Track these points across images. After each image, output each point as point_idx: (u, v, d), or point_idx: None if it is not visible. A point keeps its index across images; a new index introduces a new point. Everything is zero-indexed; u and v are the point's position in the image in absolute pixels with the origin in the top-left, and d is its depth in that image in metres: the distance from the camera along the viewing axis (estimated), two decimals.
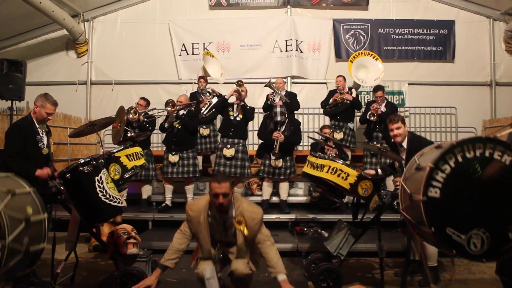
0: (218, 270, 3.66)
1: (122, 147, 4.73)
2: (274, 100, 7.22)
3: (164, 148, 6.91)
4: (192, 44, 10.20)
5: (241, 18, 10.24)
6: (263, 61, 10.17)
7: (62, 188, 3.90)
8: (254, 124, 9.15)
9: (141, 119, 6.82)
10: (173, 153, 6.65)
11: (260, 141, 7.25)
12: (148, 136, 6.94)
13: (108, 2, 10.33)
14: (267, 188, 6.82)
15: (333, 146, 6.64)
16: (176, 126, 6.65)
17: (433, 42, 10.07)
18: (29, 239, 3.19)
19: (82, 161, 3.91)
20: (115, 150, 4.62)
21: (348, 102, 7.57)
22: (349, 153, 7.76)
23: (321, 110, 8.20)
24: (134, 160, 4.75)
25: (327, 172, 4.30)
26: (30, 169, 4.20)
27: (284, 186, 6.80)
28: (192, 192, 6.90)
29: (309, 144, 9.50)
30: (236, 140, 6.76)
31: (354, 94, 7.61)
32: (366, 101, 9.88)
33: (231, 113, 6.82)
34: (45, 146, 4.52)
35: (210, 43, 10.14)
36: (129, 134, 6.21)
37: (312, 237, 6.11)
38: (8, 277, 3.18)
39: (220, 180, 3.44)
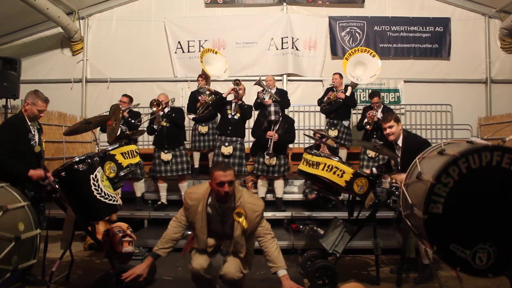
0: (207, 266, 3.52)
1: (118, 145, 4.72)
2: (264, 99, 7.22)
3: (153, 147, 6.88)
4: (188, 41, 10.17)
5: (237, 16, 10.23)
6: (259, 58, 10.16)
7: (57, 186, 3.88)
8: (251, 123, 9.13)
9: (125, 116, 6.77)
10: (166, 151, 6.63)
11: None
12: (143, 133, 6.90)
13: (104, 0, 10.29)
14: (261, 187, 6.81)
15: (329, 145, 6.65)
16: (164, 124, 6.63)
17: (428, 39, 10.08)
18: (18, 257, 3.17)
19: (77, 159, 3.88)
20: (110, 148, 4.60)
21: (341, 100, 7.55)
22: (344, 151, 7.77)
23: (317, 108, 8.21)
24: (130, 158, 4.74)
25: (322, 169, 4.29)
26: (23, 168, 4.18)
27: (279, 184, 6.79)
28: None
29: (305, 141, 9.55)
30: (234, 138, 6.77)
31: (348, 92, 7.56)
32: (361, 99, 9.94)
33: (229, 111, 6.83)
34: (37, 143, 4.48)
35: (206, 40, 10.12)
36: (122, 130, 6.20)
37: (307, 235, 6.12)
38: None
39: (225, 168, 3.33)
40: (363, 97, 10.00)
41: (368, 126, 7.12)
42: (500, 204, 2.66)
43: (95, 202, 3.82)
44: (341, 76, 7.77)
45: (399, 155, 4.55)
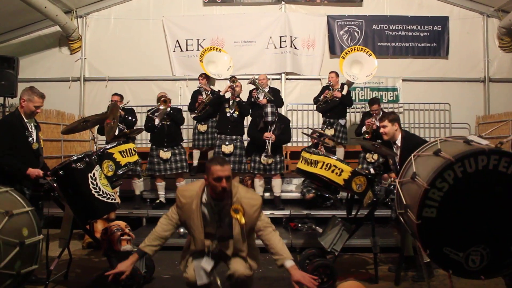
0: (209, 269, 3.29)
1: (116, 144, 4.71)
2: (258, 98, 7.23)
3: (151, 146, 6.86)
4: (186, 40, 10.15)
5: (235, 15, 10.22)
6: (257, 57, 10.15)
7: (55, 185, 3.87)
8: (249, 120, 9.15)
9: (122, 114, 6.78)
10: (165, 149, 6.63)
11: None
12: (141, 131, 6.91)
13: None
14: (259, 186, 6.81)
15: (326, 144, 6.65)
16: (165, 122, 6.63)
17: (427, 38, 10.08)
18: (21, 262, 3.21)
19: (75, 157, 3.88)
20: (108, 147, 4.60)
21: (337, 99, 7.55)
22: (341, 149, 7.77)
23: (316, 106, 8.18)
24: (128, 156, 4.74)
25: (321, 168, 4.30)
26: (21, 167, 4.18)
27: (277, 183, 6.79)
28: None
29: (303, 140, 9.55)
30: (233, 137, 6.78)
31: (345, 91, 7.55)
32: (360, 98, 9.95)
33: (227, 109, 6.82)
34: (34, 141, 4.48)
35: (204, 39, 10.10)
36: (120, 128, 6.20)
37: (306, 233, 6.13)
38: None
39: (222, 162, 3.16)
40: (361, 95, 10.02)
41: (366, 135, 7.12)
42: (494, 207, 2.64)
43: (93, 201, 3.82)
44: (337, 74, 7.75)
45: (398, 154, 4.55)
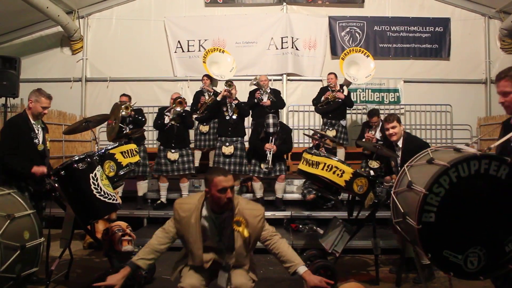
0: (205, 284, 3.16)
1: (117, 144, 4.71)
2: (262, 99, 7.23)
3: (159, 146, 6.88)
4: (188, 41, 10.17)
5: (237, 15, 10.23)
6: (259, 58, 10.15)
7: (56, 185, 3.88)
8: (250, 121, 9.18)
9: (132, 114, 6.79)
10: (173, 150, 6.64)
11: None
12: (143, 132, 6.92)
13: None
14: (258, 190, 6.82)
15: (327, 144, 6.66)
16: (174, 123, 6.63)
17: (428, 39, 10.09)
18: (22, 265, 3.22)
19: (77, 158, 3.88)
20: (110, 147, 4.60)
21: (340, 100, 7.54)
22: (342, 150, 7.76)
23: (315, 108, 8.15)
24: (129, 157, 4.74)
25: (322, 169, 4.29)
26: (26, 166, 4.20)
27: (280, 186, 6.78)
28: (187, 189, 6.89)
29: (305, 141, 9.55)
30: (234, 138, 6.77)
31: (345, 92, 7.59)
32: (361, 99, 9.95)
33: (226, 113, 6.80)
34: (40, 142, 4.51)
35: (205, 40, 10.11)
36: (124, 131, 6.19)
37: (307, 234, 6.12)
38: None
39: (225, 172, 3.05)
40: (363, 97, 10.02)
41: (366, 151, 7.13)
42: (488, 209, 2.73)
43: (95, 201, 3.81)
44: (336, 76, 7.78)
45: (400, 155, 4.55)
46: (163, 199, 6.89)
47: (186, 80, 10.07)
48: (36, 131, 4.51)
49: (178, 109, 6.44)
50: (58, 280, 4.40)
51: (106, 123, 6.06)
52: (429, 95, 9.96)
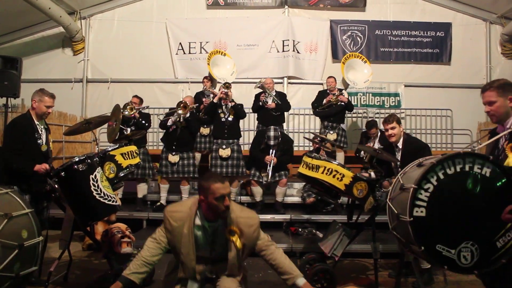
0: None
1: (117, 146, 4.71)
2: (267, 102, 7.23)
3: (162, 147, 6.89)
4: (189, 43, 10.19)
5: (239, 18, 10.25)
6: (260, 61, 10.18)
7: (56, 186, 3.88)
8: (245, 124, 9.21)
9: (137, 116, 6.80)
10: (174, 153, 6.64)
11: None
12: (144, 134, 6.91)
13: (105, 0, 10.33)
14: (258, 194, 6.80)
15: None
16: (179, 126, 6.63)
17: (429, 44, 10.11)
18: (21, 264, 3.22)
19: (77, 159, 3.88)
20: (110, 149, 4.60)
21: (343, 104, 7.56)
22: (341, 154, 7.77)
23: (314, 111, 8.14)
24: (129, 158, 4.73)
25: (322, 172, 4.29)
26: (29, 165, 4.21)
27: (281, 191, 6.76)
28: (187, 192, 6.88)
29: (305, 144, 9.55)
30: (230, 140, 6.76)
31: (346, 95, 7.62)
32: (361, 103, 9.96)
33: (222, 114, 6.78)
34: (44, 143, 4.53)
35: (207, 42, 10.14)
36: (124, 132, 6.19)
37: (306, 238, 6.11)
38: None
39: (221, 179, 2.91)
40: (364, 101, 10.04)
41: (365, 159, 7.14)
42: (477, 205, 2.82)
43: (94, 203, 3.81)
44: (335, 79, 7.83)
45: (399, 157, 4.56)
46: (163, 201, 6.88)
47: (187, 82, 10.07)
48: (40, 132, 4.52)
49: (180, 112, 6.44)
50: (57, 281, 4.39)
51: (106, 124, 6.07)
52: (430, 100, 9.97)
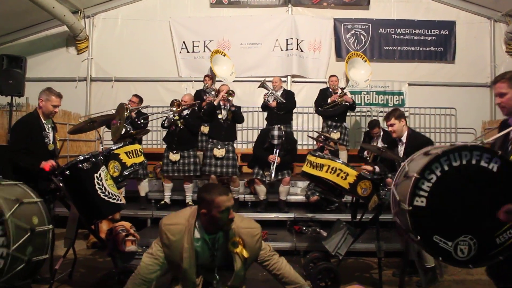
0: None
1: (122, 144, 4.72)
2: (269, 101, 7.24)
3: (164, 146, 6.91)
4: (193, 41, 10.20)
5: (242, 17, 10.25)
6: (264, 59, 10.17)
7: (61, 184, 3.89)
8: (249, 123, 9.24)
9: (133, 116, 6.80)
10: (174, 152, 6.65)
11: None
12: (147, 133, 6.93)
13: None
14: (261, 193, 6.80)
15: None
16: (179, 125, 6.63)
17: (433, 42, 10.08)
18: (33, 249, 3.29)
19: (81, 158, 3.89)
20: (114, 147, 4.61)
21: (347, 104, 7.57)
22: (344, 152, 7.77)
23: (317, 110, 8.12)
24: (134, 157, 4.74)
25: (326, 171, 4.29)
26: (35, 162, 4.23)
27: (284, 189, 6.77)
28: (191, 191, 6.89)
29: (309, 143, 9.55)
30: (226, 142, 6.74)
31: (349, 95, 7.62)
32: (365, 101, 9.95)
33: (220, 116, 6.73)
34: (51, 142, 4.55)
35: (210, 41, 10.14)
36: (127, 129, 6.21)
37: (310, 236, 6.12)
38: (8, 285, 3.18)
39: (226, 191, 2.80)
40: (367, 99, 10.04)
41: (369, 159, 7.15)
42: (480, 200, 2.78)
43: (99, 201, 3.82)
44: (338, 78, 7.86)
45: (403, 152, 4.56)
46: (167, 200, 6.90)
47: (191, 81, 10.08)
48: (47, 131, 4.53)
49: (174, 109, 6.47)
50: (62, 279, 4.41)
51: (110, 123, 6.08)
52: (434, 98, 9.95)
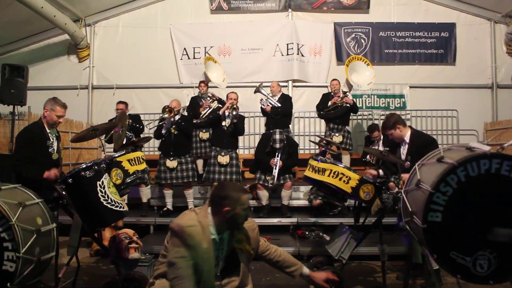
0: None
1: (124, 152, 4.73)
2: (264, 106, 7.25)
3: (159, 153, 6.93)
4: (194, 48, 10.22)
5: (242, 22, 10.28)
6: (264, 65, 10.19)
7: (63, 192, 3.90)
8: (250, 128, 9.25)
9: (130, 122, 6.83)
10: (171, 158, 6.66)
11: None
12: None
13: (110, 7, 10.38)
14: (264, 198, 6.79)
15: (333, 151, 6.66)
16: (172, 131, 6.65)
17: (434, 45, 10.08)
18: (40, 249, 3.34)
19: (84, 165, 3.90)
20: (117, 155, 4.62)
21: (348, 106, 7.56)
22: (347, 156, 7.77)
23: (319, 114, 8.14)
24: (136, 164, 4.75)
25: (328, 175, 4.29)
26: (38, 171, 4.24)
27: (286, 194, 6.78)
28: (192, 197, 6.91)
29: (310, 147, 9.55)
30: (229, 150, 6.76)
31: (351, 98, 7.63)
32: (367, 105, 9.95)
33: (223, 123, 6.74)
34: (55, 151, 4.57)
35: (211, 47, 10.17)
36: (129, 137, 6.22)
37: (313, 241, 6.10)
38: (21, 286, 3.21)
39: (245, 190, 2.87)
40: (368, 102, 10.03)
41: (372, 161, 7.17)
42: (499, 211, 2.64)
43: (102, 209, 3.82)
44: (339, 82, 7.88)
45: (405, 152, 4.56)
46: (169, 206, 6.91)
47: (192, 87, 10.08)
48: (51, 140, 4.56)
49: (166, 115, 6.49)
50: (66, 287, 4.41)
51: (112, 131, 6.10)
52: (435, 101, 9.94)
